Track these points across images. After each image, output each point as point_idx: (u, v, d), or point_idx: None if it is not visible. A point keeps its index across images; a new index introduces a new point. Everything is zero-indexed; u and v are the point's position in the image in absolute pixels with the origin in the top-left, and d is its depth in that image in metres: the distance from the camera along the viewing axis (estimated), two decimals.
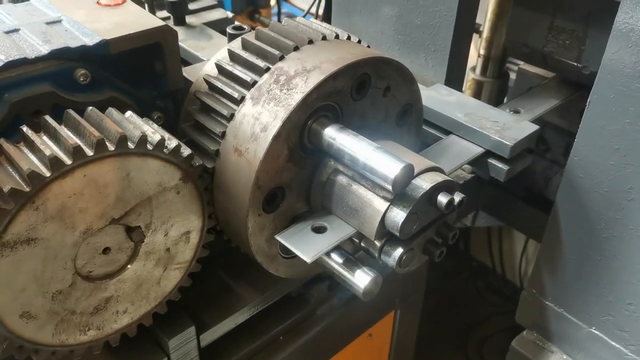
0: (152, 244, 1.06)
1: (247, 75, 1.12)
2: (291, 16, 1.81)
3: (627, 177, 1.36)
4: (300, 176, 1.18)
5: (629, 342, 1.56)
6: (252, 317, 1.38)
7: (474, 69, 2.07)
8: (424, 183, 1.08)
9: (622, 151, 1.35)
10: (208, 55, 1.69)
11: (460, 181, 1.60)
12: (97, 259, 1.01)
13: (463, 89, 2.06)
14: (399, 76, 1.24)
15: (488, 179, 1.56)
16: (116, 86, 1.14)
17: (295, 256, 1.13)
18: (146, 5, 2.00)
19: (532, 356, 1.75)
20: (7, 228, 0.85)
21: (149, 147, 0.96)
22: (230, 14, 2.11)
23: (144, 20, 1.15)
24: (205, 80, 1.18)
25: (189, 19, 1.99)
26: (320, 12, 3.27)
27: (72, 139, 0.90)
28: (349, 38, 1.23)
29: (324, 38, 1.18)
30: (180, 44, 1.24)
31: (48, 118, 0.94)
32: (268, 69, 1.12)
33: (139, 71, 1.17)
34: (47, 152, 0.86)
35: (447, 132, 1.57)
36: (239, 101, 1.11)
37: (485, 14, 1.94)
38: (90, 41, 1.07)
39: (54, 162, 0.86)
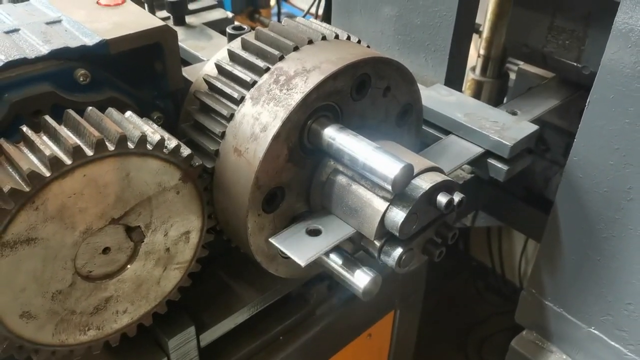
0: (152, 244, 1.06)
1: (246, 76, 1.12)
2: (291, 16, 1.80)
3: (626, 177, 1.37)
4: (300, 176, 1.18)
5: (628, 342, 1.56)
6: (252, 317, 1.38)
7: (473, 69, 2.07)
8: (424, 183, 1.08)
9: (621, 151, 1.35)
10: (208, 55, 1.69)
11: (460, 181, 1.60)
12: (97, 259, 1.01)
13: (463, 89, 2.06)
14: (399, 76, 1.24)
15: (488, 179, 1.56)
16: (116, 86, 1.14)
17: None
18: (146, 5, 2.00)
19: (531, 356, 1.76)
20: (7, 228, 0.85)
21: (149, 147, 0.96)
22: (230, 14, 2.11)
23: (144, 20, 1.15)
24: (205, 81, 1.18)
25: (189, 19, 1.98)
26: (320, 12, 3.27)
27: (72, 139, 0.90)
28: (348, 38, 1.23)
29: (324, 38, 1.18)
30: (180, 44, 1.24)
31: (48, 118, 0.94)
32: (268, 69, 1.12)
33: (138, 71, 1.17)
34: (47, 152, 0.86)
35: (447, 132, 1.57)
36: (239, 101, 1.11)
37: (485, 14, 1.94)
38: (90, 41, 1.07)
39: (53, 162, 0.86)
